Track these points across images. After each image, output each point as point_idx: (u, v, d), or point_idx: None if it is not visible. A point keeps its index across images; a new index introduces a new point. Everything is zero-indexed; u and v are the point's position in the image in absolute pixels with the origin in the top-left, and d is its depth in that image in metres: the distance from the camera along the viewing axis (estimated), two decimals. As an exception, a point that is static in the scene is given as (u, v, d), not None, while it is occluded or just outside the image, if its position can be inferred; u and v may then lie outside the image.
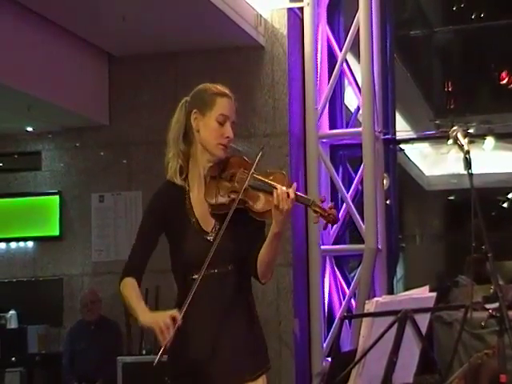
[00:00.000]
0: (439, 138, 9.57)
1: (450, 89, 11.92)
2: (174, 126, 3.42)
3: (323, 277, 7.72)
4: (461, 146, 3.35)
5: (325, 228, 3.31)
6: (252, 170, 3.27)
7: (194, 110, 3.37)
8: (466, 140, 3.35)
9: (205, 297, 3.26)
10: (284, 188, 3.15)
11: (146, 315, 3.20)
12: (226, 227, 3.20)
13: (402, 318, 2.83)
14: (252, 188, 3.25)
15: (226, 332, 3.30)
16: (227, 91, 3.40)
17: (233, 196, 3.26)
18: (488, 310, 3.31)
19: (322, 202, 3.18)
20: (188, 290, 3.19)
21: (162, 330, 3.06)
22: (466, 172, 3.29)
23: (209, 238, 3.31)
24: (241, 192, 3.23)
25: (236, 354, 3.30)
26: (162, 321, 3.07)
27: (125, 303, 3.33)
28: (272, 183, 3.22)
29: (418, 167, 13.04)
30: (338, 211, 7.90)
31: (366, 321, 2.84)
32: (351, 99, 8.18)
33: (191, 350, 3.31)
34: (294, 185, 3.19)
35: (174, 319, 3.08)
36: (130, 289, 3.31)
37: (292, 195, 3.15)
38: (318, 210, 3.17)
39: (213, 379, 3.28)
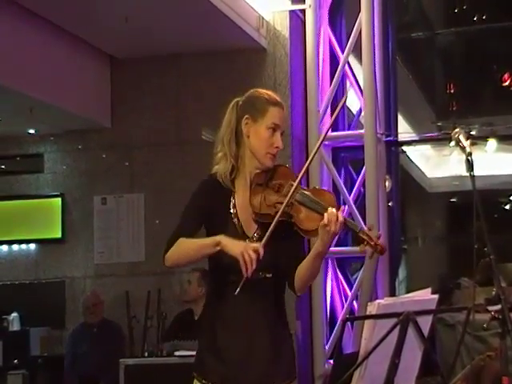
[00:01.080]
0: (441, 140, 9.56)
1: (452, 91, 11.89)
2: (227, 128, 3.42)
3: (325, 279, 7.72)
4: (463, 148, 3.35)
5: (371, 257, 3.29)
6: (297, 184, 3.27)
7: (246, 116, 3.37)
8: (468, 142, 3.35)
9: (241, 301, 3.28)
10: (334, 210, 3.15)
11: (230, 242, 3.18)
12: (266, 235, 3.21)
13: (404, 320, 2.82)
14: (298, 203, 3.26)
15: (258, 338, 3.32)
16: (280, 101, 3.41)
17: (278, 207, 3.26)
18: (490, 312, 3.31)
19: (370, 230, 3.20)
20: (224, 291, 3.24)
21: (247, 262, 3.11)
22: (468, 174, 3.29)
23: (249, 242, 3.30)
24: (285, 204, 3.22)
25: (267, 361, 3.33)
26: (247, 253, 3.11)
27: (187, 254, 3.28)
28: (321, 202, 3.23)
29: (420, 169, 13.01)
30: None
31: (368, 323, 2.83)
32: (353, 101, 8.17)
33: (222, 351, 3.32)
34: (343, 207, 3.22)
35: (257, 253, 3.12)
36: (187, 240, 3.27)
37: (341, 218, 3.15)
38: (366, 238, 3.18)
39: (243, 378, 3.30)
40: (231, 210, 3.37)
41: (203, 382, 3.37)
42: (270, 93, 3.43)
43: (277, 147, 3.35)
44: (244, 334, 3.31)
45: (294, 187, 3.27)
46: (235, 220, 3.36)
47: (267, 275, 3.32)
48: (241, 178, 3.40)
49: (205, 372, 3.37)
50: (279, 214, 3.23)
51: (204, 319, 3.54)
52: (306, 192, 3.28)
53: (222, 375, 3.33)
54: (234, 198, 3.39)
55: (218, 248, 3.20)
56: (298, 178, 3.30)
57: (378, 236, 3.21)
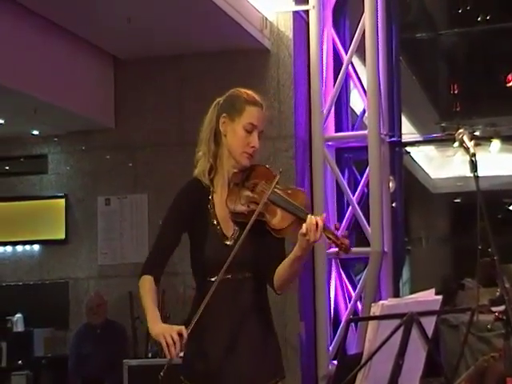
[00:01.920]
0: (445, 140, 9.56)
1: (455, 91, 11.89)
2: (207, 126, 3.44)
3: (329, 280, 7.71)
4: (467, 149, 3.34)
5: (336, 255, 3.27)
6: (273, 186, 3.27)
7: (223, 115, 3.39)
8: (472, 142, 3.35)
9: (221, 301, 3.29)
10: (313, 218, 3.13)
11: (155, 326, 3.19)
12: (248, 237, 3.21)
13: (408, 320, 2.82)
14: (272, 203, 3.26)
15: (242, 337, 3.31)
16: (258, 99, 3.42)
17: (252, 207, 3.27)
18: (494, 312, 3.31)
19: (337, 229, 3.19)
20: (205, 291, 3.22)
21: (169, 345, 3.06)
22: (472, 174, 3.29)
23: (228, 242, 3.32)
24: (260, 204, 3.24)
25: (251, 360, 3.31)
26: (169, 335, 3.07)
27: (140, 303, 3.32)
28: (293, 202, 3.23)
29: (423, 170, 13.01)
30: (344, 214, 7.91)
31: (371, 324, 2.83)
32: (357, 102, 8.17)
33: (207, 352, 3.32)
34: (325, 215, 3.20)
35: (180, 335, 3.08)
36: (147, 290, 3.30)
37: (321, 224, 3.12)
38: (331, 237, 3.17)
39: (229, 380, 3.29)
40: (210, 210, 3.38)
41: None
42: (249, 92, 3.43)
43: (253, 147, 3.35)
44: (227, 336, 3.30)
45: (269, 186, 3.27)
46: (214, 220, 3.37)
47: (247, 275, 3.32)
48: (219, 177, 3.42)
49: (191, 375, 3.37)
50: (256, 213, 3.23)
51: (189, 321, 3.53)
52: (278, 191, 3.28)
53: (207, 377, 3.31)
54: (212, 197, 3.40)
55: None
56: (274, 183, 3.28)
57: (346, 235, 3.19)
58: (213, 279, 3.23)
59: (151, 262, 3.38)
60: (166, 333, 3.08)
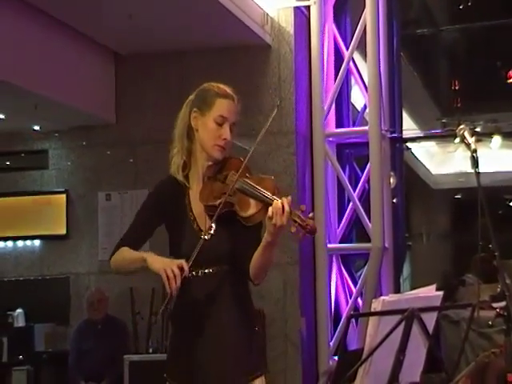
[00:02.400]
0: (446, 136, 9.56)
1: (456, 87, 11.89)
2: (180, 123, 3.45)
3: (330, 275, 7.72)
4: (468, 145, 3.35)
5: (301, 238, 3.19)
6: (238, 174, 3.27)
7: (194, 109, 3.39)
8: (473, 138, 3.35)
9: (201, 296, 3.30)
10: (279, 201, 3.11)
11: (155, 259, 3.20)
12: (221, 227, 3.23)
13: (409, 316, 2.83)
14: (240, 191, 3.25)
15: (223, 331, 3.30)
16: (230, 92, 3.41)
17: (223, 198, 3.26)
18: (495, 308, 3.31)
19: (302, 211, 3.14)
20: (184, 286, 3.20)
21: (169, 278, 3.09)
22: (473, 170, 3.29)
23: (205, 237, 3.30)
24: (227, 194, 3.24)
25: (232, 354, 3.30)
26: (170, 268, 3.10)
27: (123, 264, 3.34)
28: (261, 189, 3.21)
29: (424, 166, 13.02)
30: (345, 210, 7.92)
31: (372, 319, 2.83)
32: (358, 98, 8.17)
33: (188, 349, 3.32)
34: (289, 198, 3.15)
35: (181, 269, 3.11)
36: (126, 250, 3.33)
37: (287, 209, 3.09)
38: (297, 219, 3.11)
39: (210, 377, 3.29)
40: (186, 206, 3.38)
41: (173, 383, 3.37)
42: (221, 86, 3.42)
43: (224, 139, 3.35)
44: (207, 331, 3.29)
45: (238, 175, 3.27)
46: (191, 216, 3.37)
47: (225, 268, 3.32)
48: (194, 172, 3.42)
49: (173, 372, 3.38)
50: (222, 202, 3.23)
51: (171, 317, 3.53)
52: (246, 180, 3.27)
53: (188, 374, 3.31)
54: (188, 193, 3.41)
55: (145, 264, 3.22)
56: (240, 169, 3.27)
57: (312, 217, 3.13)
58: (190, 274, 3.22)
59: (126, 239, 3.40)
60: (166, 266, 3.11)
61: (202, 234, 3.27)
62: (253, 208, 3.22)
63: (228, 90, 3.41)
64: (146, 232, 3.43)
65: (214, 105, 3.35)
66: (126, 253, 3.34)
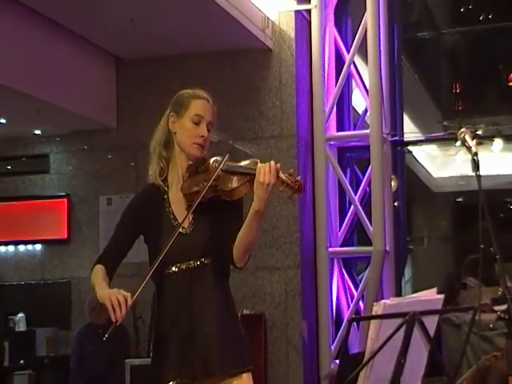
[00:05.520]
0: (447, 139, 9.56)
1: (457, 90, 11.88)
2: (156, 133, 3.56)
3: (331, 279, 7.72)
4: (469, 148, 3.35)
5: (291, 197, 3.30)
6: (225, 160, 3.34)
7: (171, 114, 3.48)
8: (474, 142, 3.35)
9: (181, 291, 3.34)
10: (264, 164, 3.21)
11: (102, 291, 3.29)
12: (201, 221, 3.31)
13: (410, 320, 2.82)
14: (224, 172, 3.32)
15: (205, 327, 3.32)
16: (205, 95, 3.49)
17: (206, 183, 3.31)
18: (496, 311, 3.30)
19: (290, 175, 3.25)
20: (165, 284, 3.31)
21: (114, 306, 3.19)
22: (474, 174, 3.29)
23: (184, 231, 3.36)
24: (211, 179, 3.28)
25: (216, 347, 3.30)
26: (115, 297, 3.19)
27: (91, 285, 3.42)
28: (245, 166, 3.30)
29: (425, 169, 13.00)
30: (346, 214, 7.92)
31: (374, 323, 2.83)
32: (359, 101, 8.17)
33: (171, 343, 3.34)
34: (274, 162, 3.23)
35: (125, 299, 3.20)
36: (97, 272, 3.41)
37: (273, 166, 3.20)
38: (285, 179, 3.21)
39: (194, 371, 3.29)
40: (166, 208, 3.43)
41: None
42: (196, 90, 3.51)
43: (202, 136, 3.41)
44: (189, 327, 3.32)
45: (220, 162, 3.34)
46: (170, 215, 3.41)
47: (206, 261, 3.35)
48: (173, 174, 3.47)
49: (158, 374, 3.38)
50: (206, 184, 3.27)
51: (155, 317, 3.55)
52: (230, 162, 3.35)
53: (175, 374, 3.32)
54: (166, 194, 3.46)
55: (95, 293, 3.33)
56: (226, 158, 3.34)
57: (297, 178, 3.26)
58: (172, 270, 3.33)
59: (104, 257, 3.48)
60: (111, 295, 3.21)
61: (179, 226, 3.32)
62: (236, 182, 3.30)
63: (203, 93, 3.50)
64: (123, 248, 3.53)
65: (189, 105, 3.44)
66: (93, 275, 3.42)
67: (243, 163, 3.34)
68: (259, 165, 3.23)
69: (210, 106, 3.47)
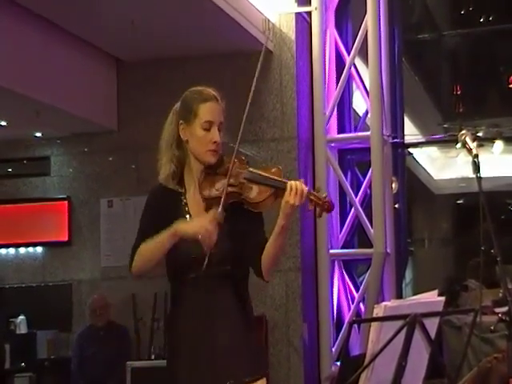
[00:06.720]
0: (448, 141, 9.58)
1: (458, 92, 11.90)
2: (166, 132, 3.48)
3: (332, 281, 7.71)
4: (469, 150, 3.34)
5: (319, 216, 3.30)
6: (249, 169, 3.30)
7: (181, 121, 3.41)
8: (475, 143, 3.34)
9: (202, 298, 3.29)
10: (294, 183, 3.19)
11: (187, 224, 3.27)
12: (222, 228, 3.22)
13: (411, 322, 2.82)
14: (248, 181, 3.28)
15: (224, 333, 3.29)
16: (211, 93, 3.41)
17: (229, 189, 3.27)
18: (497, 314, 3.30)
19: (318, 192, 3.26)
20: (183, 290, 3.26)
21: (206, 237, 3.16)
22: (474, 176, 3.29)
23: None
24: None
25: (233, 355, 3.29)
26: (204, 228, 3.17)
27: (149, 257, 3.35)
28: (270, 176, 3.26)
29: (426, 171, 13.02)
30: (347, 216, 7.91)
31: (374, 325, 2.83)
32: (359, 103, 8.17)
33: (190, 349, 3.31)
34: (303, 181, 3.23)
35: (215, 222, 3.17)
36: (145, 244, 3.34)
37: (305, 190, 3.19)
38: (314, 199, 3.22)
39: (211, 378, 3.28)
40: (185, 210, 3.38)
41: None
42: (201, 89, 3.44)
43: (215, 142, 3.35)
44: (206, 333, 3.29)
45: (243, 167, 3.30)
46: (187, 216, 3.37)
47: (226, 268, 3.31)
48: (190, 179, 3.41)
49: (175, 378, 3.36)
50: (227, 193, 3.23)
51: (169, 322, 3.51)
52: (252, 170, 3.31)
53: (187, 378, 3.31)
54: (185, 197, 3.41)
55: (177, 237, 3.24)
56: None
57: (325, 196, 3.25)
58: (190, 276, 3.27)
59: (135, 252, 3.42)
60: (201, 225, 3.18)
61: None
62: (264, 193, 3.26)
63: (210, 91, 3.43)
64: (155, 233, 3.37)
65: (198, 112, 3.36)
66: (148, 245, 3.33)
67: (267, 172, 3.29)
68: (289, 183, 3.19)
69: (218, 105, 3.40)
